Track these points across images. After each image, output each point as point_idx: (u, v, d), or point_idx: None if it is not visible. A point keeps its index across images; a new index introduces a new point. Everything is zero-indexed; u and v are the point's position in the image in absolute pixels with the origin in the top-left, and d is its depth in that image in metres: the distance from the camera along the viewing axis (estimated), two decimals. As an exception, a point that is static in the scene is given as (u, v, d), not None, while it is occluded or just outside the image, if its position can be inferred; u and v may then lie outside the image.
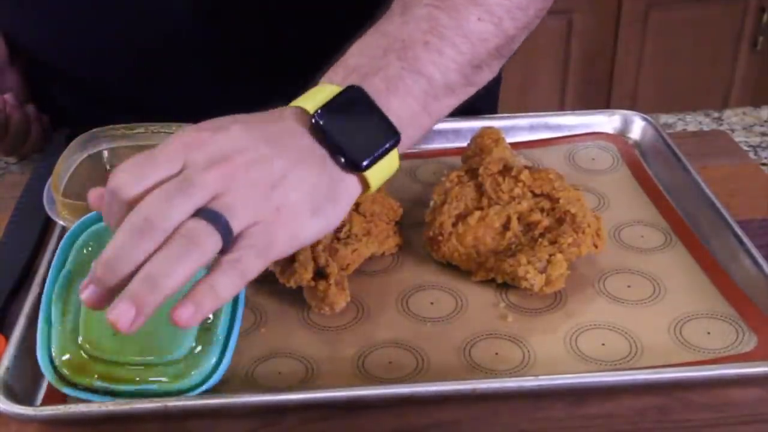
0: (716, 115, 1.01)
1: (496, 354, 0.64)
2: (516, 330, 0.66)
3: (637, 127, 0.89)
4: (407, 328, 0.67)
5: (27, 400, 0.61)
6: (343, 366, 0.63)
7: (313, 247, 0.66)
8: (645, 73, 2.14)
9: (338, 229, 0.70)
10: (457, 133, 0.88)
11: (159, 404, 0.59)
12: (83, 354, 0.60)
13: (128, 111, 0.81)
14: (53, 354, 0.60)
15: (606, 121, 0.90)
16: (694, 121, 1.00)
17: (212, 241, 0.51)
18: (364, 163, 0.58)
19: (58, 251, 0.63)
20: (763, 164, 0.91)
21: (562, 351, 0.64)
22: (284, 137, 0.56)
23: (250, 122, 0.56)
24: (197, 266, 0.50)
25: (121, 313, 0.49)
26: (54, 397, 0.61)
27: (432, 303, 0.69)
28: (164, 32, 0.84)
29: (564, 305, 0.68)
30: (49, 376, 0.60)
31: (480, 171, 0.73)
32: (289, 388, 0.61)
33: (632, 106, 1.32)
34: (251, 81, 0.86)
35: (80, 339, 0.60)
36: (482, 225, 0.70)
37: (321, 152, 0.57)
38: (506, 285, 0.70)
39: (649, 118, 0.89)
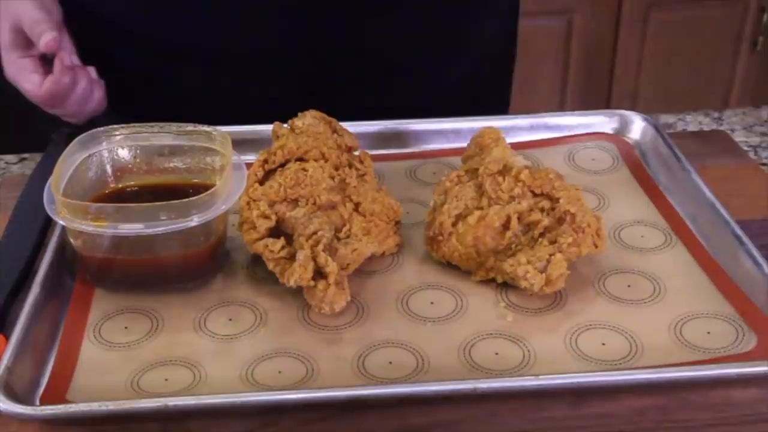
0: (716, 115, 1.01)
1: (496, 354, 0.64)
2: (516, 330, 0.66)
3: (637, 127, 0.89)
4: (407, 328, 0.67)
5: (27, 399, 0.61)
6: (343, 366, 0.63)
7: (313, 247, 0.66)
8: (645, 73, 2.14)
9: (338, 229, 0.70)
10: (457, 133, 0.88)
11: (159, 404, 0.59)
12: None
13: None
14: None
15: (606, 121, 0.90)
16: (694, 121, 1.00)
17: None
18: None
19: None
20: (763, 164, 0.91)
21: (562, 351, 0.64)
22: None
23: None
24: None
25: None
26: (54, 397, 0.61)
27: (432, 303, 0.69)
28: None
29: (564, 305, 0.68)
30: None
31: (480, 171, 0.73)
32: (289, 388, 0.61)
33: (632, 106, 1.32)
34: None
35: None
36: (482, 225, 0.70)
37: None
38: (506, 285, 0.70)
39: (649, 118, 0.89)
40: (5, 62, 0.89)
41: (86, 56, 0.90)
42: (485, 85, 1.04)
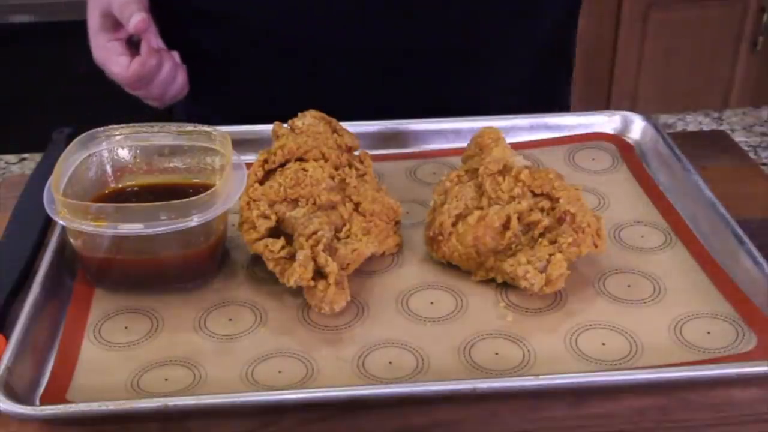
0: (716, 115, 1.01)
1: (496, 354, 0.64)
2: (516, 330, 0.66)
3: (637, 127, 0.89)
4: (407, 328, 0.67)
5: (27, 399, 0.61)
6: (343, 366, 0.63)
7: (313, 247, 0.66)
8: (645, 73, 2.14)
9: (338, 229, 0.70)
10: (457, 133, 0.88)
11: (159, 404, 0.59)
12: None
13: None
14: None
15: (606, 121, 0.90)
16: (694, 121, 1.00)
17: None
18: None
19: None
20: (763, 164, 0.91)
21: (562, 351, 0.64)
22: None
23: None
24: None
25: None
26: (54, 397, 0.61)
27: (432, 303, 0.69)
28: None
29: (564, 305, 0.68)
30: None
31: (480, 171, 0.73)
32: (289, 388, 0.61)
33: (632, 106, 1.33)
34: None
35: None
36: (482, 225, 0.70)
37: None
38: (506, 285, 0.70)
39: (649, 118, 0.89)
40: (94, 47, 0.91)
41: (167, 41, 0.92)
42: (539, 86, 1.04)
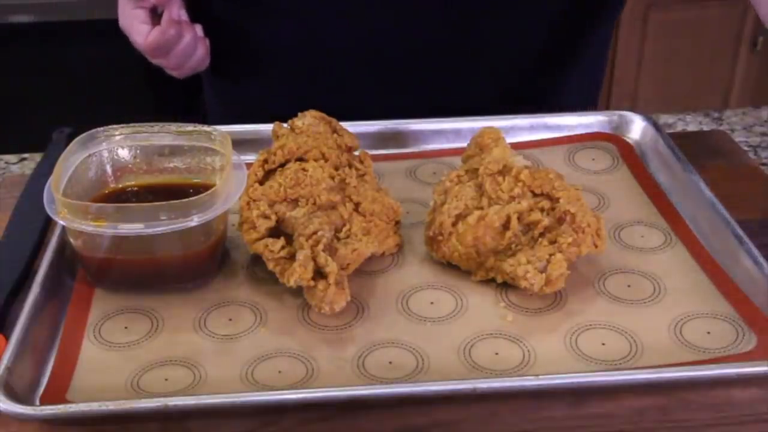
0: (716, 115, 1.01)
1: (496, 354, 0.64)
2: (516, 330, 0.66)
3: (637, 127, 0.89)
4: (407, 328, 0.67)
5: (27, 399, 0.61)
6: (343, 366, 0.63)
7: (313, 247, 0.66)
8: (645, 73, 2.14)
9: (338, 229, 0.70)
10: (457, 133, 0.88)
11: (159, 404, 0.59)
12: None
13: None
14: None
15: (606, 121, 0.90)
16: (694, 121, 1.00)
17: None
18: None
19: None
20: (763, 164, 0.91)
21: (562, 351, 0.64)
22: None
23: None
24: None
25: None
26: (54, 396, 0.61)
27: (432, 303, 0.69)
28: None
29: (564, 305, 0.68)
30: None
31: (480, 171, 0.73)
32: (289, 388, 0.61)
33: (632, 106, 1.32)
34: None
35: None
36: (482, 225, 0.70)
37: None
38: (506, 285, 0.70)
39: (649, 118, 0.89)
40: (121, 12, 0.93)
41: (192, 14, 0.94)
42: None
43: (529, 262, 0.67)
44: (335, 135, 0.78)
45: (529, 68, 0.99)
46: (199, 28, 0.93)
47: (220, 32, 0.96)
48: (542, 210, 0.71)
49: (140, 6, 0.90)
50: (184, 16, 0.92)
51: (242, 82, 1.03)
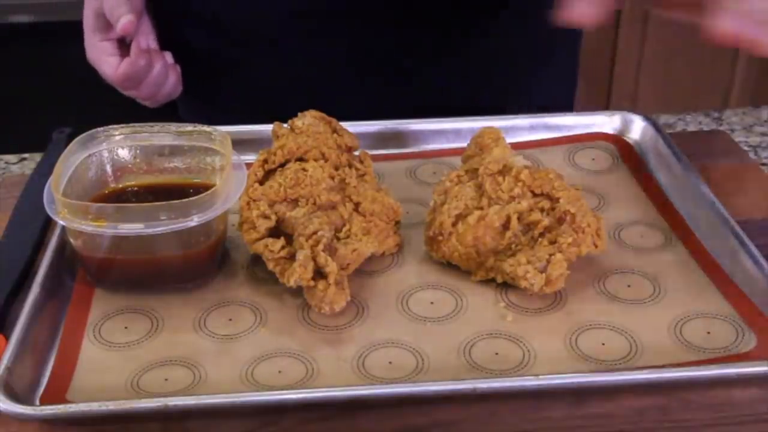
0: (716, 115, 1.01)
1: (496, 354, 0.64)
2: (516, 330, 0.66)
3: (637, 127, 0.89)
4: (407, 328, 0.67)
5: (27, 399, 0.61)
6: (343, 366, 0.63)
7: (313, 247, 0.66)
8: (645, 73, 2.14)
9: (338, 229, 0.70)
10: (457, 133, 0.88)
11: (159, 404, 0.59)
12: None
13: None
14: None
15: (606, 121, 0.90)
16: (694, 121, 1.00)
17: None
18: None
19: None
20: (763, 164, 0.91)
21: (562, 351, 0.64)
22: None
23: None
24: None
25: None
26: (54, 397, 0.61)
27: (432, 303, 0.69)
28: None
29: (564, 305, 0.68)
30: None
31: (480, 171, 0.73)
32: (289, 388, 0.61)
33: (632, 106, 1.32)
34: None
35: None
36: (482, 225, 0.70)
37: None
38: (506, 285, 0.70)
39: (649, 118, 0.89)
40: (87, 45, 0.92)
41: (162, 41, 0.93)
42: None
43: (529, 262, 0.67)
44: (335, 135, 0.78)
45: (495, 68, 0.99)
46: (168, 56, 0.92)
47: (192, 58, 0.95)
48: (542, 210, 0.71)
49: (107, 38, 0.89)
50: (153, 44, 0.91)
51: (217, 105, 1.02)
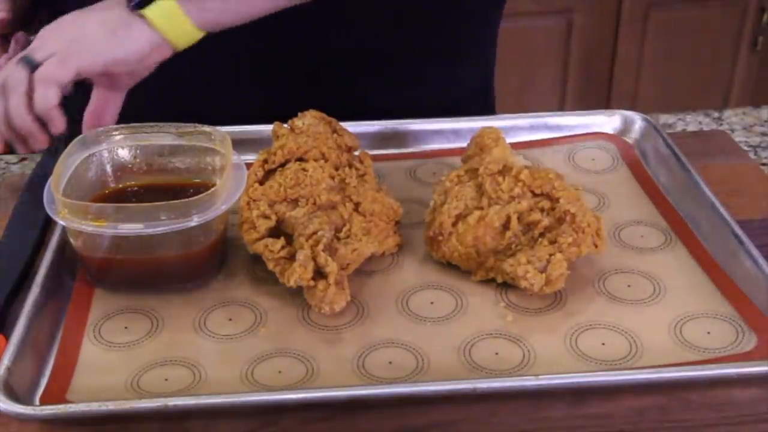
0: (716, 115, 1.01)
1: (496, 354, 0.64)
2: (516, 330, 0.66)
3: (637, 127, 0.89)
4: (407, 328, 0.67)
5: (27, 399, 0.61)
6: (343, 366, 0.63)
7: (313, 247, 0.66)
8: (645, 73, 2.14)
9: (338, 229, 0.70)
10: (457, 133, 0.88)
11: (159, 404, 0.59)
12: None
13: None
14: None
15: (606, 121, 0.90)
16: (694, 121, 1.00)
17: (20, 69, 0.74)
18: (133, 2, 0.74)
19: None
20: (763, 164, 0.91)
21: (562, 351, 0.64)
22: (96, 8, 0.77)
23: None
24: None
25: None
26: (54, 397, 0.61)
27: (432, 303, 0.69)
28: None
29: (564, 305, 0.68)
30: None
31: (480, 171, 0.73)
32: (289, 388, 0.61)
33: (632, 106, 1.32)
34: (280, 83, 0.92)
35: None
36: (482, 225, 0.70)
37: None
38: (506, 285, 0.70)
39: (649, 118, 0.89)
40: None
41: None
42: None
43: (529, 262, 0.67)
44: (335, 135, 0.78)
45: (398, 69, 0.98)
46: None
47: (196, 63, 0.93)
48: (542, 210, 0.71)
49: None
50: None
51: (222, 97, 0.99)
